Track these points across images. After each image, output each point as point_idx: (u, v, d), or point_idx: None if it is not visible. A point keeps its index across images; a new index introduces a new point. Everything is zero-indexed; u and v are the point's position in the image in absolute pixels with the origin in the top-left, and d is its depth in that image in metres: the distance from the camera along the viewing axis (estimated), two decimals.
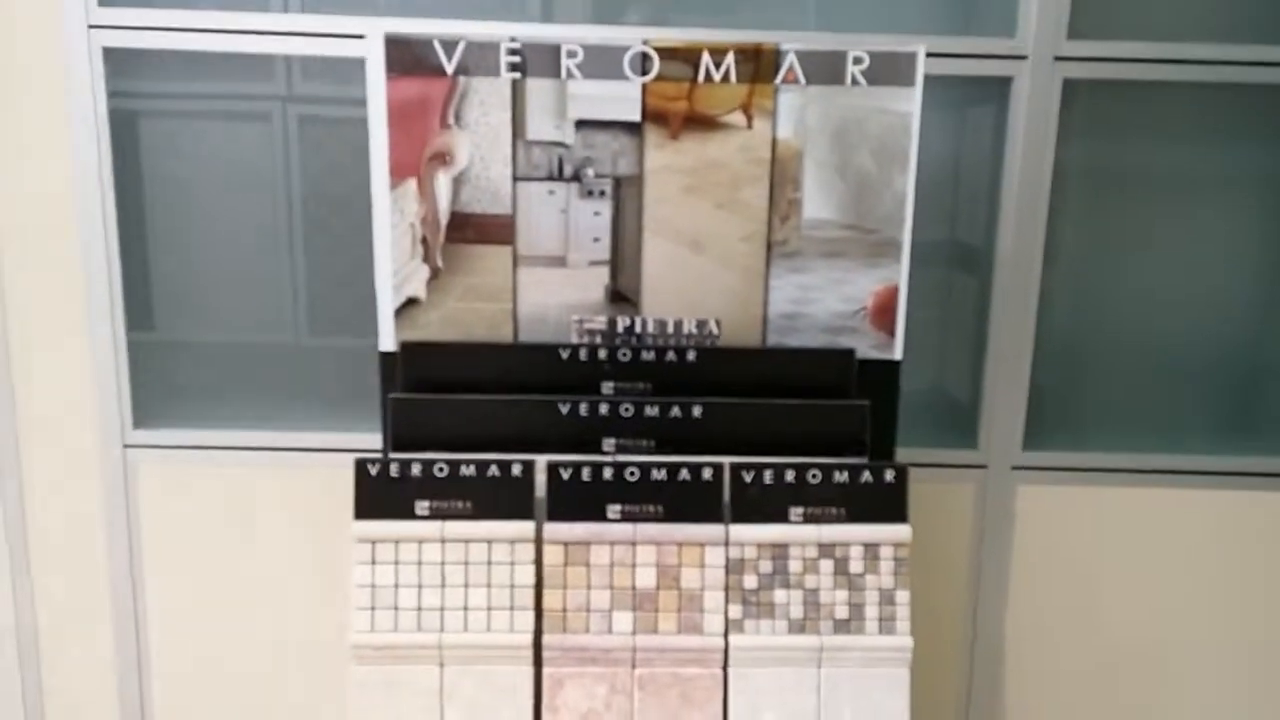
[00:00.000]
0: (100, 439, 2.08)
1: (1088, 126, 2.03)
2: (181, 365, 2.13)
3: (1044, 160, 1.99)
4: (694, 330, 1.60)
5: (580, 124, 1.56)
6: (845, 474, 1.43)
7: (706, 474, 1.44)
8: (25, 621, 2.12)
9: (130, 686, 2.16)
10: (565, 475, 1.44)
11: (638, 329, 1.60)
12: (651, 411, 1.50)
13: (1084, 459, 2.15)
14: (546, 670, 1.42)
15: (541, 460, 1.46)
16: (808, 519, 1.43)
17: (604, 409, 1.51)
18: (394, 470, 1.43)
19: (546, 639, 1.41)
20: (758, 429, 1.51)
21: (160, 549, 2.13)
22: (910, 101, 1.55)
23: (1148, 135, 2.06)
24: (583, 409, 1.51)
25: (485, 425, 1.50)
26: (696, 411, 1.51)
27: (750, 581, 1.42)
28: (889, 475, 1.43)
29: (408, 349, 1.56)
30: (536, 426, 1.50)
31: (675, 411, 1.51)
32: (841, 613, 1.42)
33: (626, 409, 1.50)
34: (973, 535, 2.17)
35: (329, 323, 2.14)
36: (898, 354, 1.63)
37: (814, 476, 1.43)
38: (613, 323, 1.60)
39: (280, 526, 2.12)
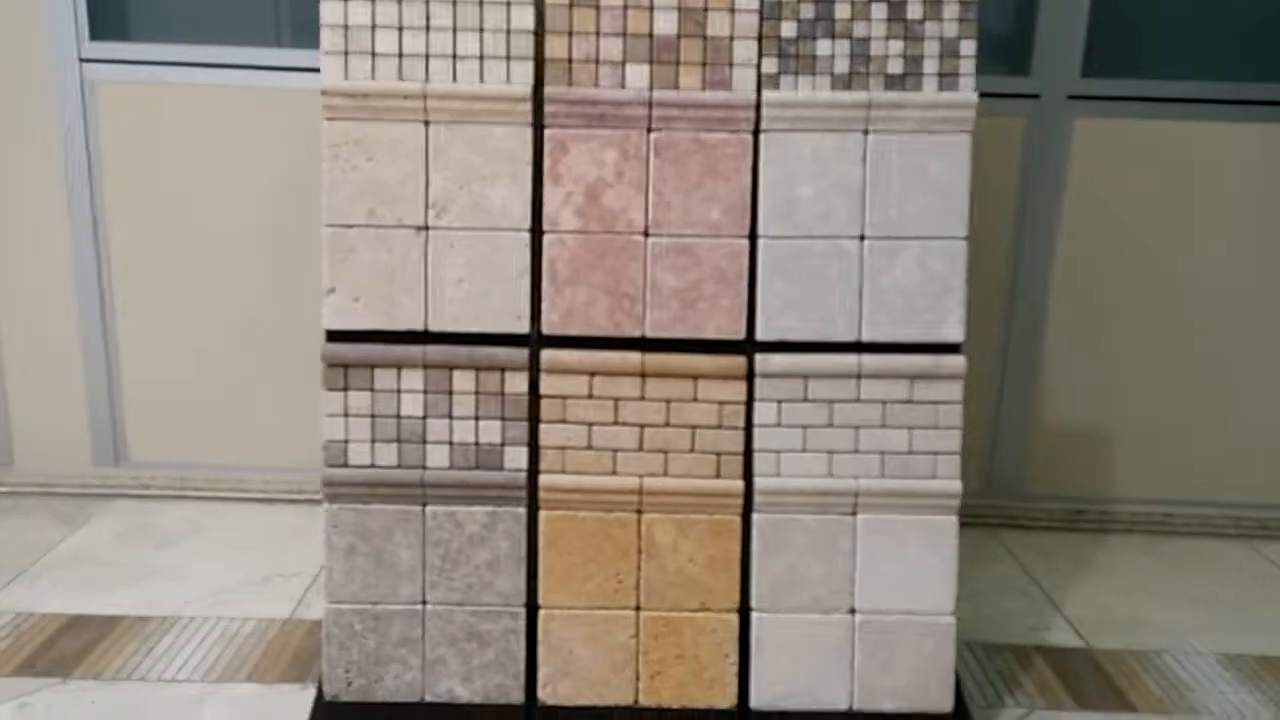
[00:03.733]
0: (54, 51, 1.88)
1: None
2: None
3: None
4: None
5: None
6: None
7: None
8: None
9: (91, 313, 1.98)
10: None
11: None
12: None
13: (1145, 87, 1.94)
14: (548, 132, 1.21)
15: None
16: None
17: None
18: None
19: (549, 92, 1.20)
20: None
21: (120, 174, 1.93)
22: None
23: None
24: None
25: None
26: None
27: (788, 29, 1.21)
28: None
29: None
30: None
31: None
32: (895, 66, 1.21)
33: None
34: (1020, 173, 1.96)
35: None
36: None
37: None
38: None
39: (251, 152, 1.92)
